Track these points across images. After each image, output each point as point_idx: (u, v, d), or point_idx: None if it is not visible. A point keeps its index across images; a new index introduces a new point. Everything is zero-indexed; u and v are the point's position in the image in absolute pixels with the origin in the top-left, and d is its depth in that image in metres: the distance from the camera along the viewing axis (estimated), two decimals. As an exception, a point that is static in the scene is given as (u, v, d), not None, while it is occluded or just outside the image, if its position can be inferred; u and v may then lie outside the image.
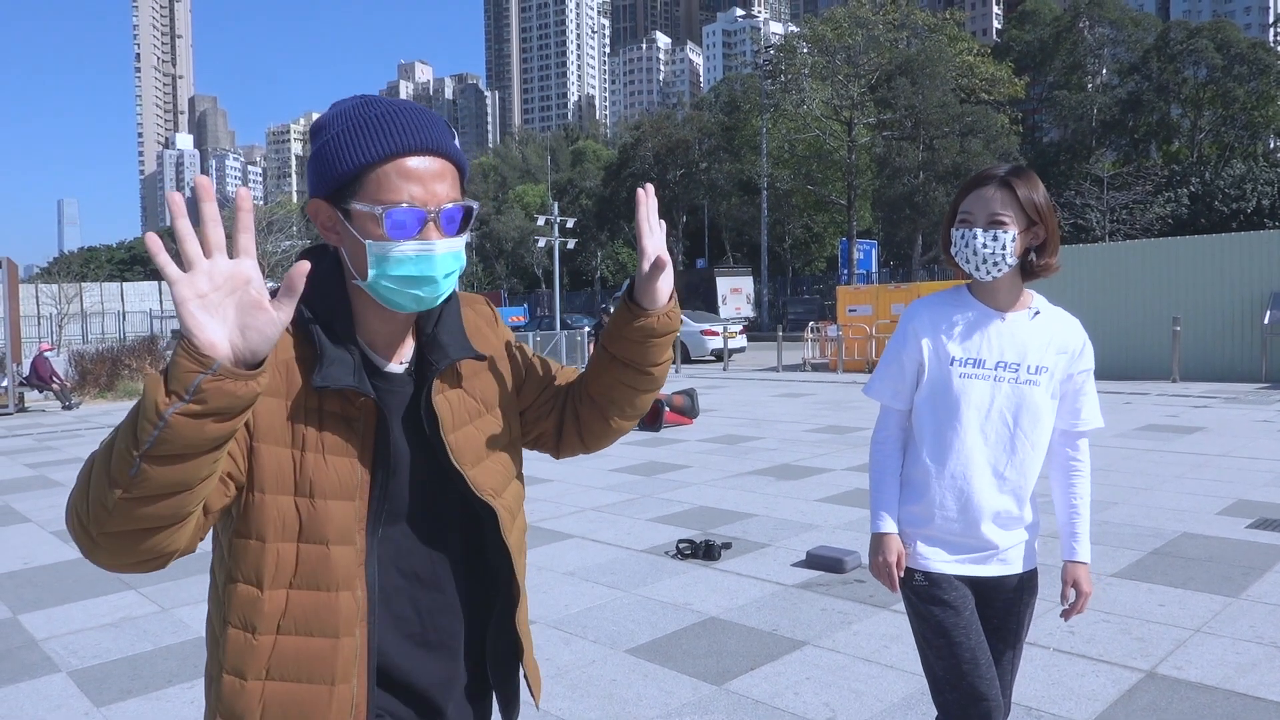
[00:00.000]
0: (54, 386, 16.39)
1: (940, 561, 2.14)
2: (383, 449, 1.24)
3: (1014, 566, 2.17)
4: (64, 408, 16.25)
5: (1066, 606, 2.20)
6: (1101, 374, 16.04)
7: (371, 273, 1.20)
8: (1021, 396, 2.09)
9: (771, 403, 13.75)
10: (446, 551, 1.33)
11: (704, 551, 5.26)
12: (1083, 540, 2.20)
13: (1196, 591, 4.45)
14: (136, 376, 18.70)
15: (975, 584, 2.18)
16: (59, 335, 37.34)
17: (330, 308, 1.23)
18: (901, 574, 2.16)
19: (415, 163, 1.19)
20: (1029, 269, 2.09)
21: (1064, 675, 3.51)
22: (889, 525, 2.17)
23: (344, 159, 1.17)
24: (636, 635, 4.11)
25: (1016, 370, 2.09)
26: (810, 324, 22.76)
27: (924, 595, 2.15)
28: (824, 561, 4.99)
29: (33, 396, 17.31)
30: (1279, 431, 9.29)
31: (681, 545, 5.38)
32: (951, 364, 2.10)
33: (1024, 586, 2.20)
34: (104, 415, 15.09)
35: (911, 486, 2.19)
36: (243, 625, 1.19)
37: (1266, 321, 14.24)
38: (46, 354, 16.50)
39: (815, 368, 20.38)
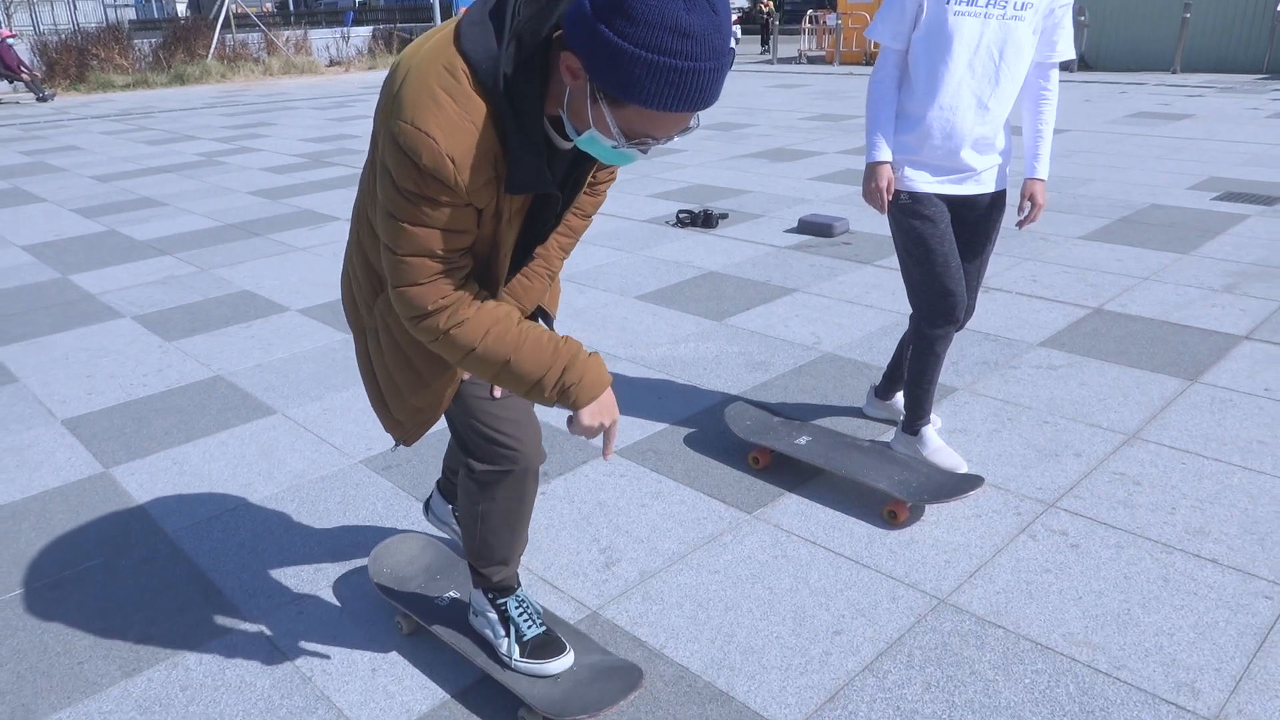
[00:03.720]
0: (24, 77, 15.82)
1: (924, 183, 2.45)
2: (540, 212, 1.45)
3: (987, 186, 2.49)
4: (39, 99, 15.81)
5: (1023, 217, 2.56)
6: (1103, 65, 15.73)
7: (581, 138, 1.28)
8: (1008, 31, 2.29)
9: (765, 93, 13.54)
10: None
11: (702, 220, 5.60)
12: (1043, 160, 2.51)
13: (1153, 250, 4.87)
14: (107, 67, 17.99)
15: (953, 202, 2.52)
16: (9, 25, 35.00)
17: (529, 92, 1.26)
18: (890, 198, 2.48)
19: (682, 118, 1.20)
20: None
21: (1022, 312, 3.99)
22: (884, 154, 2.46)
23: (631, 89, 1.15)
24: (643, 285, 4.54)
25: (1004, 7, 2.27)
26: (808, 13, 21.65)
27: (908, 211, 2.48)
28: (814, 227, 5.35)
29: (2, 88, 16.76)
30: (1266, 118, 9.40)
31: (681, 214, 5.71)
32: (947, 3, 2.28)
33: (994, 204, 2.54)
34: (83, 107, 14.74)
35: (905, 119, 2.45)
36: None
37: (1279, 8, 13.76)
38: (10, 40, 15.72)
39: (811, 60, 19.72)
